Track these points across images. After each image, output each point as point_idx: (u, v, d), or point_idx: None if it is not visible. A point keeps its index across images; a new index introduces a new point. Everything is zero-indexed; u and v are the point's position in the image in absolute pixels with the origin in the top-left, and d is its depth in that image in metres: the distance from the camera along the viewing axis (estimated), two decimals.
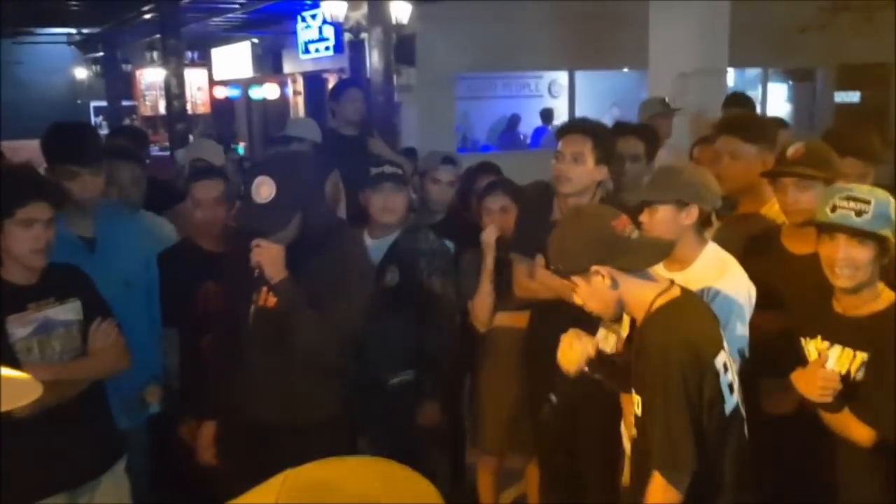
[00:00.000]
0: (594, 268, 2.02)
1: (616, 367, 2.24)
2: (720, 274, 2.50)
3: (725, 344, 2.10)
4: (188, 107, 11.62)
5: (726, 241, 2.85)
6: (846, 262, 2.24)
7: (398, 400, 3.26)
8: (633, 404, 2.07)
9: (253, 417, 2.70)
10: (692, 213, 2.48)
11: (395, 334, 3.20)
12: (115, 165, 3.42)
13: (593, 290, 2.05)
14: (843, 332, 2.32)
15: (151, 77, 14.91)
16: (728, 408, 2.02)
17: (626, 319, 2.24)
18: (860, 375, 2.28)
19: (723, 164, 3.09)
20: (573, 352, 2.21)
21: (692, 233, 2.52)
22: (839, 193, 2.30)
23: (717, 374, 1.99)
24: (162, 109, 12.63)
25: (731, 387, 2.04)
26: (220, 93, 15.86)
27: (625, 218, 2.11)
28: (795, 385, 2.29)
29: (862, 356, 2.28)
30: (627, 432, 2.61)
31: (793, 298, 2.54)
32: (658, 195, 2.48)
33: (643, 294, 2.05)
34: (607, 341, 2.33)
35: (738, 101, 5.11)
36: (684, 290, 2.09)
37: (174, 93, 9.74)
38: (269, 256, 2.54)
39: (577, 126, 3.08)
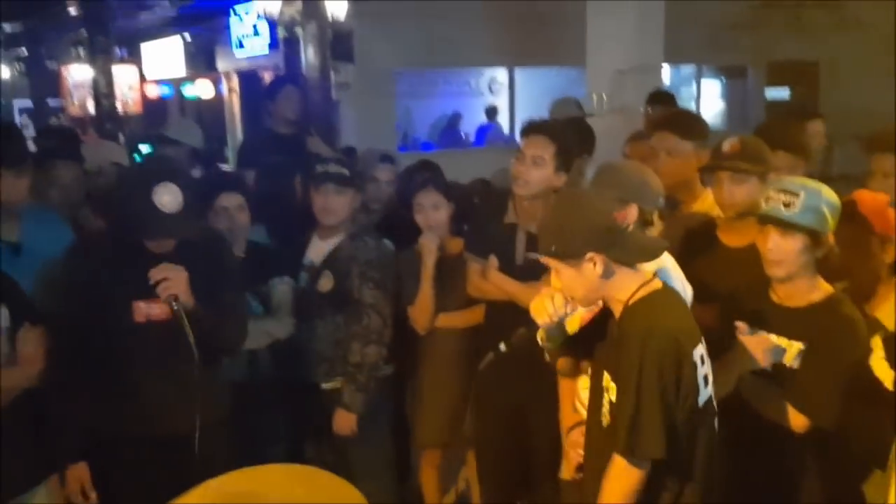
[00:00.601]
0: (589, 255, 1.99)
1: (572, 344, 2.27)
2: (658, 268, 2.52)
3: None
4: (118, 105, 11.26)
5: (667, 238, 2.88)
6: (775, 252, 2.31)
7: (332, 404, 3.21)
8: (608, 392, 2.05)
9: (138, 432, 2.58)
10: (631, 213, 2.48)
11: (326, 340, 3.16)
12: (51, 166, 3.30)
13: (581, 276, 2.01)
14: (780, 322, 2.37)
15: (79, 75, 14.43)
16: (702, 399, 2.03)
17: (580, 311, 2.23)
18: (796, 364, 2.34)
19: (659, 160, 3.12)
20: (550, 304, 2.15)
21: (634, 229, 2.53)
22: (774, 185, 2.36)
23: (694, 366, 2.00)
24: (91, 109, 12.23)
25: (705, 379, 2.05)
26: (152, 91, 15.47)
27: (625, 211, 2.13)
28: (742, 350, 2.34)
29: (797, 346, 2.34)
30: (566, 421, 2.63)
31: (730, 291, 2.57)
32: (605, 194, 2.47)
33: (627, 285, 2.04)
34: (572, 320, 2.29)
35: (661, 98, 5.17)
36: (665, 284, 2.09)
37: (103, 91, 9.48)
38: (180, 282, 2.44)
39: (542, 128, 3.04)
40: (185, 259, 2.51)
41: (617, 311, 2.06)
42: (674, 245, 2.73)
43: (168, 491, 2.51)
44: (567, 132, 3.14)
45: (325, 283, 3.18)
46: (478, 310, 3.26)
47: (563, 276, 2.05)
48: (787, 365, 2.35)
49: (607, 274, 2.00)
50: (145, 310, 2.52)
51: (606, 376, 2.07)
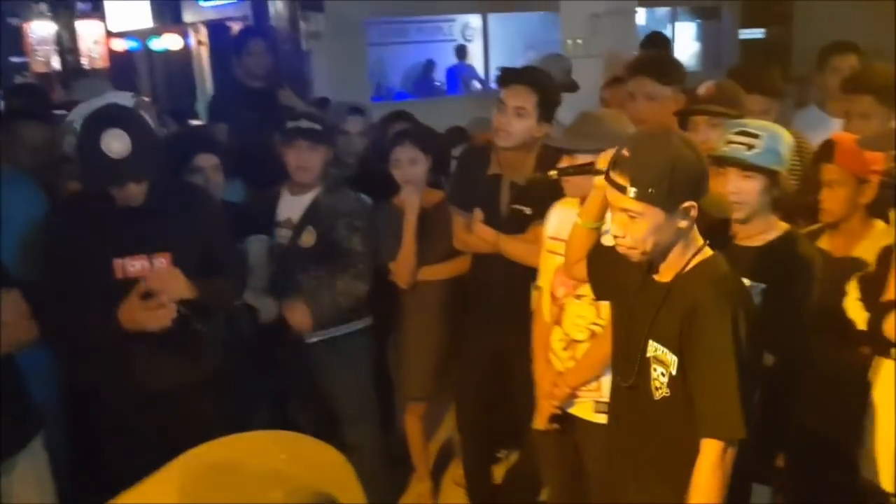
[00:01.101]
0: (689, 202, 1.82)
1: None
2: None
3: None
4: (84, 61, 11.01)
5: None
6: (735, 194, 2.35)
7: (323, 358, 3.22)
8: (663, 364, 1.95)
9: (136, 384, 2.59)
10: None
11: (309, 294, 3.14)
12: (20, 126, 3.22)
13: (667, 226, 1.82)
14: (740, 261, 2.37)
15: (42, 31, 14.06)
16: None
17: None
18: (758, 301, 2.35)
19: (637, 105, 3.10)
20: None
21: None
22: (733, 128, 2.38)
23: None
24: (56, 65, 11.94)
25: None
26: (118, 45, 15.12)
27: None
28: None
29: (758, 286, 2.36)
30: (538, 373, 2.66)
31: (703, 233, 2.59)
32: (586, 144, 2.45)
33: (693, 245, 1.91)
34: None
35: (657, 41, 5.13)
36: (714, 251, 1.98)
37: (67, 47, 9.24)
38: (170, 280, 2.42)
39: (523, 77, 2.96)
40: (161, 211, 2.49)
41: (667, 275, 1.94)
42: None
43: (155, 451, 2.54)
44: (549, 80, 3.09)
45: (308, 238, 3.15)
46: (460, 261, 3.26)
47: (641, 223, 1.83)
48: None
49: (691, 227, 1.87)
50: (124, 266, 2.49)
51: (655, 345, 1.95)
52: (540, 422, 2.65)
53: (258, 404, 3.31)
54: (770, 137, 2.33)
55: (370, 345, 3.41)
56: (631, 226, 1.85)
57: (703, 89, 2.79)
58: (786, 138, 2.38)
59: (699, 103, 2.78)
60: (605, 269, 2.18)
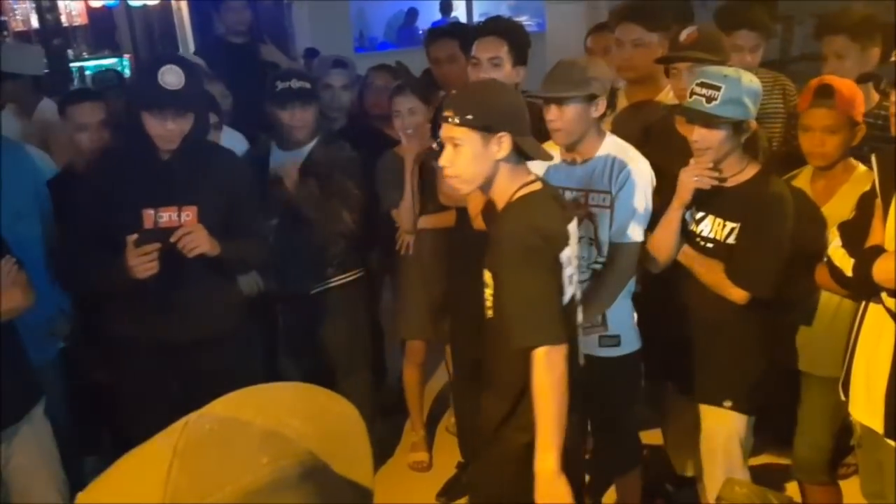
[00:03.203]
0: (501, 133, 2.02)
1: None
2: (625, 162, 2.59)
3: (572, 241, 2.16)
4: (63, 18, 10.81)
5: (625, 128, 2.90)
6: (700, 142, 2.43)
7: (320, 310, 3.28)
8: (488, 286, 2.14)
9: (153, 337, 2.66)
10: (601, 107, 2.53)
11: (309, 246, 3.19)
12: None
13: (483, 153, 2.03)
14: (714, 202, 2.52)
15: None
16: (566, 298, 2.13)
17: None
18: (731, 241, 2.49)
19: (625, 52, 3.10)
20: None
21: (595, 125, 2.57)
22: (696, 79, 2.42)
23: (561, 266, 2.09)
24: (35, 23, 11.71)
25: (570, 279, 2.15)
26: (96, 1, 14.82)
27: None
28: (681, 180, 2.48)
29: (731, 225, 2.48)
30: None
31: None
32: (571, 91, 2.48)
33: (514, 179, 2.09)
34: None
35: None
36: (545, 185, 2.15)
37: (45, 5, 9.06)
38: (202, 238, 2.52)
39: (491, 28, 3.00)
40: (189, 165, 2.60)
41: (499, 205, 2.12)
42: (631, 133, 2.78)
43: (177, 401, 2.60)
44: (516, 26, 3.11)
45: (309, 191, 3.20)
46: (450, 214, 3.29)
47: (463, 149, 2.04)
48: (723, 241, 2.50)
49: (507, 159, 2.05)
50: (155, 216, 2.59)
51: (486, 273, 2.14)
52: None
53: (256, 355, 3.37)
54: (731, 87, 2.34)
55: (365, 295, 3.47)
56: (455, 155, 2.06)
57: (684, 35, 2.79)
58: (751, 86, 2.39)
59: (679, 49, 2.78)
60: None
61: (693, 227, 2.59)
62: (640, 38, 3.07)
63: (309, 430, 0.71)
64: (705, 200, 2.52)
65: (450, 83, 3.33)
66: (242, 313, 2.90)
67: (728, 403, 2.61)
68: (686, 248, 2.59)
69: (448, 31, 3.65)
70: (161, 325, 2.65)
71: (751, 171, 2.49)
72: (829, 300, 2.59)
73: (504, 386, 2.17)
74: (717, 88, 2.35)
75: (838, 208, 2.50)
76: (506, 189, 2.09)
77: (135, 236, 2.49)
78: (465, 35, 3.36)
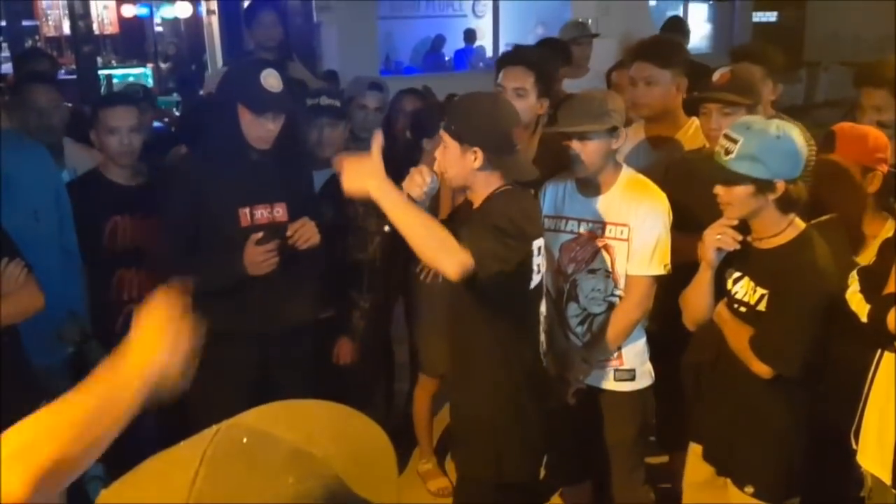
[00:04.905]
0: (475, 148, 2.22)
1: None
2: (643, 195, 2.58)
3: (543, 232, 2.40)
4: (95, 27, 10.97)
5: (642, 162, 2.91)
6: (722, 196, 2.27)
7: (325, 336, 3.26)
8: None
9: (248, 328, 2.75)
10: (621, 139, 2.55)
11: (328, 271, 3.18)
12: (30, 90, 3.24)
13: (460, 161, 2.25)
14: (754, 263, 2.35)
15: None
16: (533, 283, 2.34)
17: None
18: (762, 307, 2.32)
19: (638, 90, 3.11)
20: (419, 176, 2.32)
21: (613, 157, 2.59)
22: (728, 128, 2.30)
23: (530, 254, 2.29)
24: (67, 30, 11.88)
25: (538, 267, 2.35)
26: (128, 11, 15.04)
27: (521, 132, 2.37)
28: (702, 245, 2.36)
29: (762, 291, 2.32)
30: None
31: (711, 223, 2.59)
32: (592, 124, 2.49)
33: (490, 183, 2.29)
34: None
35: (675, 26, 5.11)
36: (516, 187, 2.32)
37: (79, 12, 9.17)
38: (313, 230, 2.68)
39: (519, 58, 2.99)
40: (277, 164, 2.77)
41: (477, 201, 2.31)
42: (652, 169, 2.78)
43: (251, 391, 2.68)
44: (544, 58, 3.11)
45: (325, 213, 3.19)
46: None
47: (447, 152, 2.28)
48: (756, 308, 2.33)
49: (483, 167, 2.25)
50: (251, 214, 2.73)
51: None
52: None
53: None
54: (747, 142, 2.17)
55: (382, 319, 3.45)
56: (442, 154, 2.30)
57: (717, 75, 2.78)
58: (778, 143, 2.18)
59: (712, 90, 2.77)
60: None
61: (729, 285, 2.40)
62: (653, 76, 3.08)
63: (338, 451, 0.70)
64: (742, 260, 2.36)
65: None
66: (315, 305, 3.01)
67: (749, 490, 2.39)
68: (721, 307, 2.41)
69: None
70: (254, 316, 2.75)
71: (791, 233, 2.28)
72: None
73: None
74: (735, 141, 2.19)
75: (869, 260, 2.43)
76: (482, 192, 2.30)
77: (259, 234, 2.63)
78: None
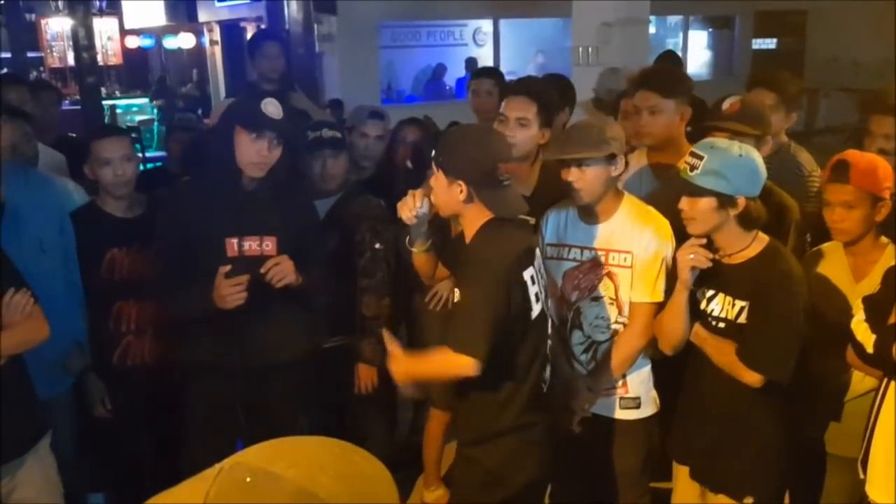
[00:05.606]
0: (460, 182, 2.23)
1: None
2: (645, 222, 2.59)
3: (537, 261, 2.36)
4: (99, 58, 11.07)
5: (644, 189, 2.91)
6: (686, 211, 2.37)
7: (334, 364, 3.25)
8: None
9: (230, 362, 2.72)
10: (620, 167, 2.55)
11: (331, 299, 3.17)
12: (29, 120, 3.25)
13: (448, 193, 2.27)
14: (721, 280, 2.43)
15: (58, 26, 14.16)
16: (534, 314, 2.30)
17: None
18: (742, 319, 2.39)
19: (641, 119, 3.12)
20: (411, 200, 2.40)
21: (614, 184, 2.59)
22: (694, 148, 2.39)
23: (524, 285, 2.25)
24: (71, 61, 12.02)
25: (536, 296, 2.31)
26: (132, 42, 15.20)
27: (510, 167, 2.33)
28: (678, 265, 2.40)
29: (741, 304, 2.38)
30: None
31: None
32: (591, 151, 2.50)
33: (480, 216, 2.28)
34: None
35: (669, 59, 5.12)
36: (500, 218, 2.30)
37: (83, 44, 9.26)
38: (290, 268, 2.63)
39: (523, 88, 3.00)
40: (271, 197, 2.74)
41: (468, 234, 2.31)
42: (655, 196, 2.79)
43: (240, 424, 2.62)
44: (546, 89, 3.12)
45: (331, 242, 3.19)
46: None
47: (437, 182, 2.30)
48: (735, 321, 2.39)
49: (468, 200, 2.25)
50: (238, 245, 2.70)
51: (456, 291, 2.31)
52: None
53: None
54: (712, 158, 2.29)
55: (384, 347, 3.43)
56: (434, 182, 2.32)
57: (727, 104, 2.78)
58: (739, 160, 2.29)
59: (721, 119, 2.77)
60: None
61: (703, 304, 2.47)
62: (657, 105, 3.08)
63: (339, 490, 0.69)
64: (713, 278, 2.43)
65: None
66: (310, 341, 2.96)
67: (749, 500, 2.45)
68: (697, 327, 2.47)
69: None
70: (238, 350, 2.72)
71: (757, 246, 2.39)
72: (860, 380, 2.51)
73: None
74: (700, 158, 2.30)
75: (873, 287, 2.44)
76: (471, 224, 2.30)
77: (228, 267, 2.58)
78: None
